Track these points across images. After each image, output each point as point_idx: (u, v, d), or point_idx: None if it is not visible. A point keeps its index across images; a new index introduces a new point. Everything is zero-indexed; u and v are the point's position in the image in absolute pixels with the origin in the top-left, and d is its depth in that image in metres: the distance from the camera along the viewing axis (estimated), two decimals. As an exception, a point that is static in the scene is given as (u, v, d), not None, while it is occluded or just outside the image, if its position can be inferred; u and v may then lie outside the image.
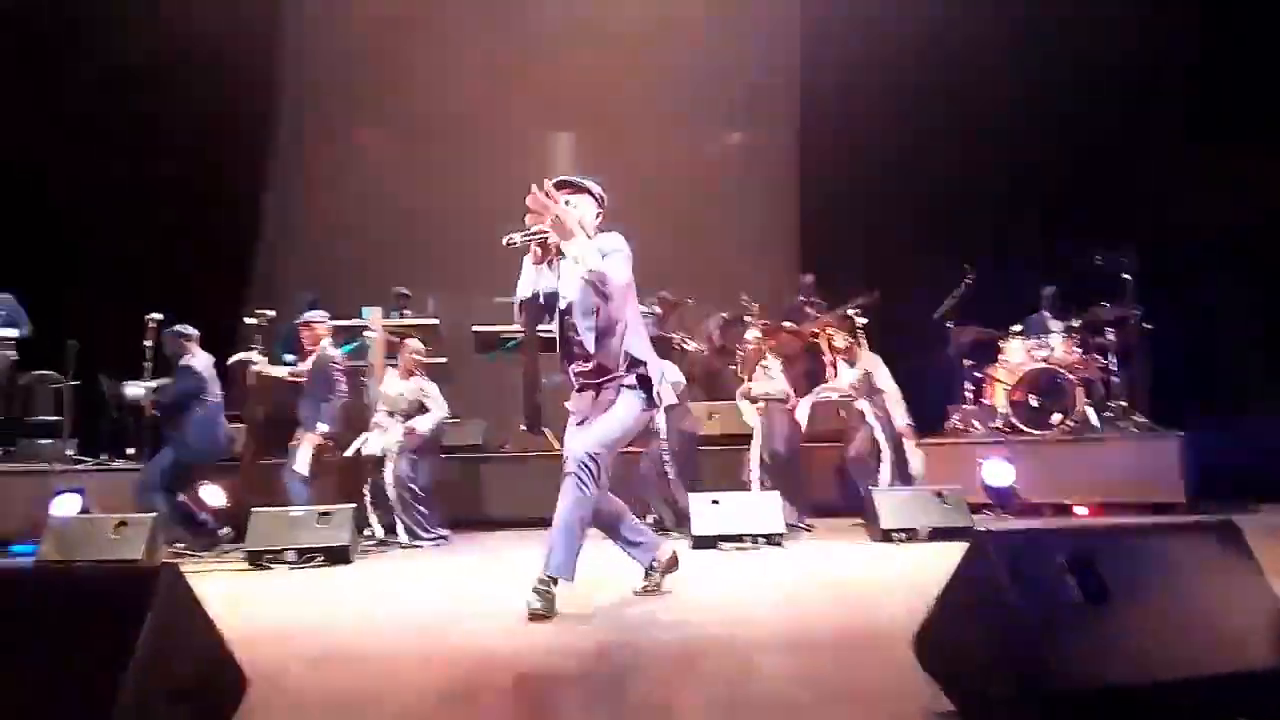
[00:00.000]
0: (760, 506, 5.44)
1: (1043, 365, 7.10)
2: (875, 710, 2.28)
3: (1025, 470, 6.38)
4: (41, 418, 7.37)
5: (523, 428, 7.56)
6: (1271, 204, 7.18)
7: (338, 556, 5.22)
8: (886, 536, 5.30)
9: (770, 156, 10.41)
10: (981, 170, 8.70)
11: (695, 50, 10.07)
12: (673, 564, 3.87)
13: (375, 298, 7.83)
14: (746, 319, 7.07)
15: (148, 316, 6.51)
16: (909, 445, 6.01)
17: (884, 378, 6.19)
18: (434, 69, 9.98)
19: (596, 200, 3.67)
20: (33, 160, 8.32)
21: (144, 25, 8.69)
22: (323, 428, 6.01)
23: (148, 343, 6.53)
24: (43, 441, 7.17)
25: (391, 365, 6.61)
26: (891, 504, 5.45)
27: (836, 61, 9.36)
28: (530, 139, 9.71)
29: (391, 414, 6.24)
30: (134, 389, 6.05)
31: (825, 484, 6.68)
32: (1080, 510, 6.48)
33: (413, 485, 6.06)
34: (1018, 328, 7.50)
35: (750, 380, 6.42)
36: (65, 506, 5.92)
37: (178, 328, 6.18)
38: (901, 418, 6.05)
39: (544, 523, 3.55)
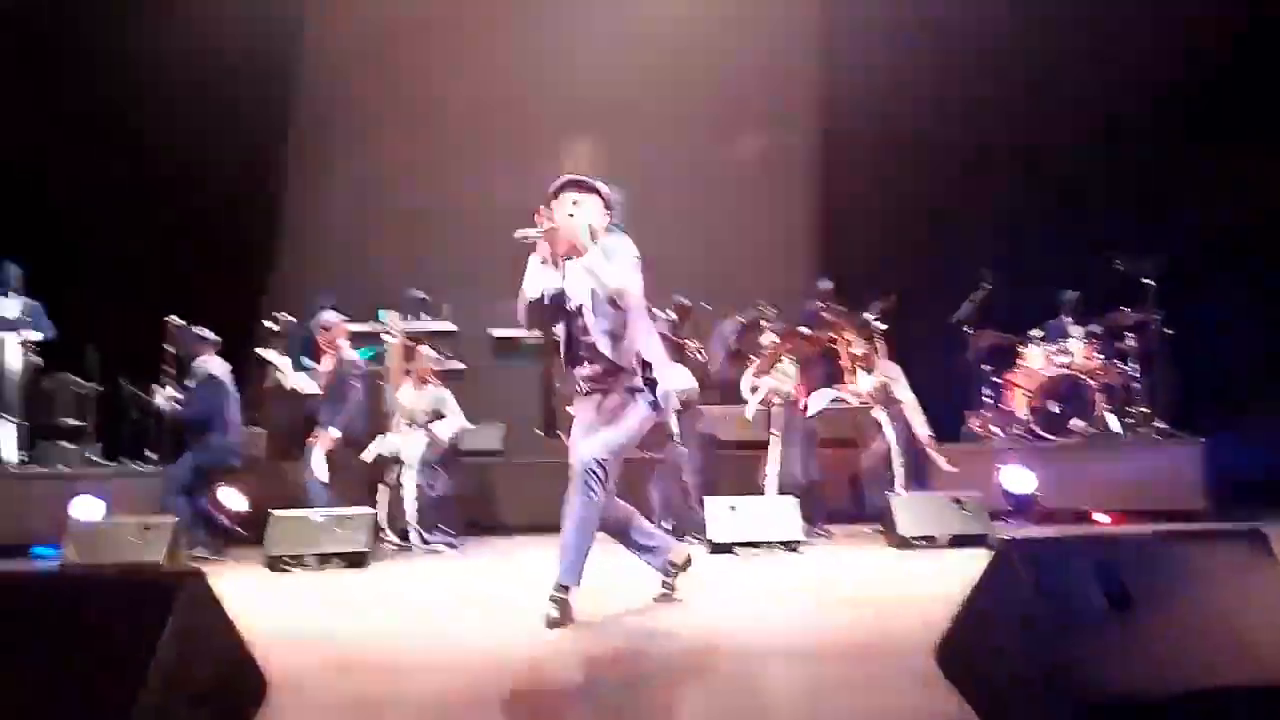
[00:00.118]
0: (777, 512, 5.42)
1: (1063, 371, 7.05)
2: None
3: (1045, 477, 6.33)
4: (65, 421, 7.44)
5: (538, 431, 7.57)
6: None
7: (355, 560, 5.24)
8: (905, 543, 5.27)
9: (788, 160, 10.38)
10: (1001, 174, 8.66)
11: (714, 53, 10.06)
12: (686, 564, 3.83)
13: (392, 301, 7.87)
14: (763, 324, 7.05)
15: (166, 319, 6.56)
16: (933, 454, 5.97)
17: (902, 388, 6.16)
18: (451, 72, 10.02)
19: (605, 201, 3.64)
20: (47, 160, 8.43)
21: (162, 28, 8.78)
22: (334, 431, 6.04)
23: (168, 346, 6.58)
24: (66, 445, 7.23)
25: (408, 373, 6.62)
26: (910, 510, 5.42)
27: (856, 65, 9.32)
28: (549, 142, 9.70)
29: (410, 424, 6.26)
30: (164, 401, 6.09)
31: (840, 490, 6.64)
32: (1101, 517, 6.43)
33: (430, 491, 6.08)
34: (1037, 333, 7.44)
35: (760, 375, 6.38)
36: (87, 510, 5.97)
37: (194, 328, 6.22)
38: (921, 427, 6.02)
39: (561, 528, 3.54)
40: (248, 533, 5.94)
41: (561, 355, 3.65)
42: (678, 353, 6.52)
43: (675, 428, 6.22)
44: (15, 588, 1.98)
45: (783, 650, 3.00)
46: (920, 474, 6.15)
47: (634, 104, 9.98)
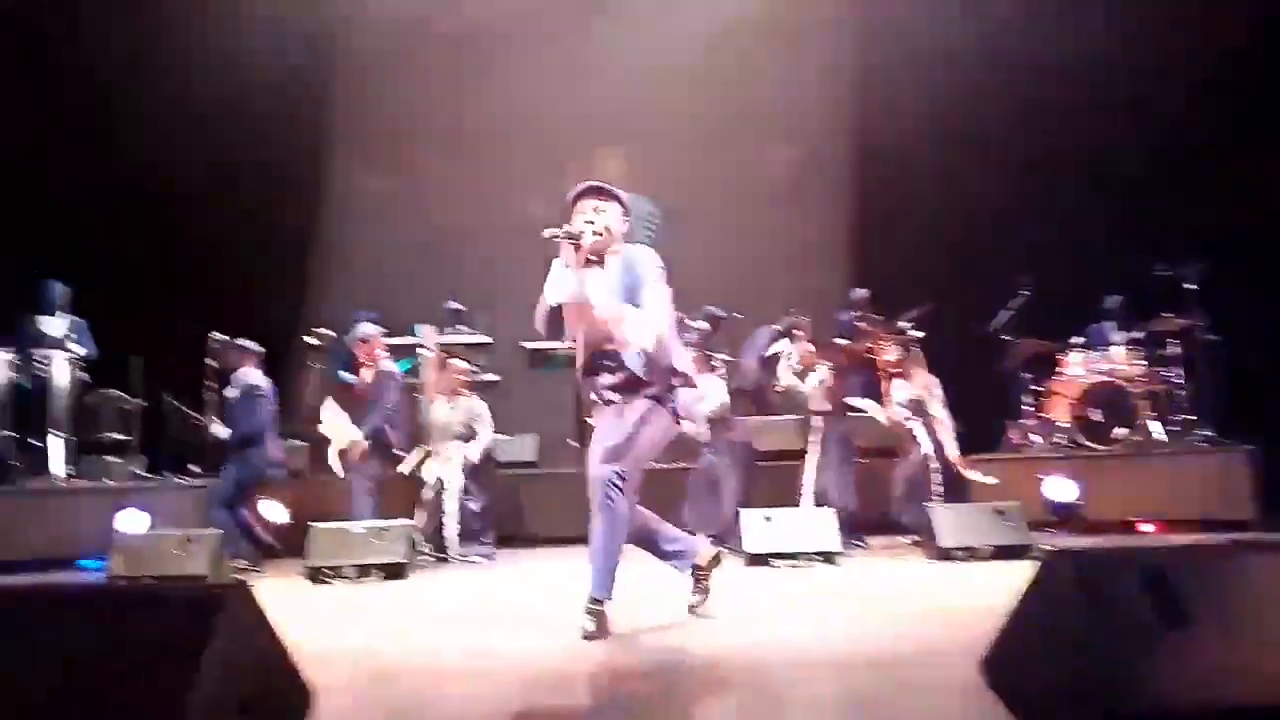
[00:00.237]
0: (814, 524, 5.37)
1: (1104, 378, 6.93)
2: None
3: (1088, 486, 6.23)
4: (110, 436, 7.58)
5: (572, 442, 7.57)
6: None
7: (394, 572, 5.28)
8: (946, 555, 5.19)
9: (821, 171, 10.35)
10: (1039, 180, 8.56)
11: (747, 64, 10.07)
12: (714, 563, 3.76)
13: (427, 315, 7.94)
14: (796, 333, 7.02)
15: (210, 335, 6.67)
16: (967, 473, 5.91)
17: (937, 405, 6.09)
18: (485, 88, 10.13)
19: (624, 208, 3.61)
20: (93, 181, 8.64)
21: (206, 51, 8.97)
22: (355, 432, 6.10)
23: (210, 361, 6.68)
24: (110, 459, 7.37)
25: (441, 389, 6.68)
26: (951, 522, 5.33)
27: (889, 74, 9.30)
28: (581, 155, 9.77)
29: (446, 437, 6.31)
30: (219, 429, 6.20)
31: (876, 501, 6.56)
32: (1146, 527, 6.30)
33: (468, 504, 6.12)
34: (1077, 340, 7.33)
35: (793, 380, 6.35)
36: (132, 523, 6.08)
37: (240, 341, 6.32)
38: (952, 447, 5.95)
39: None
40: (281, 546, 6.01)
41: (579, 364, 3.60)
42: (705, 365, 6.51)
43: (707, 438, 6.21)
44: (65, 600, 2.02)
45: (820, 662, 2.97)
46: (957, 486, 6.09)
47: (666, 117, 10.02)
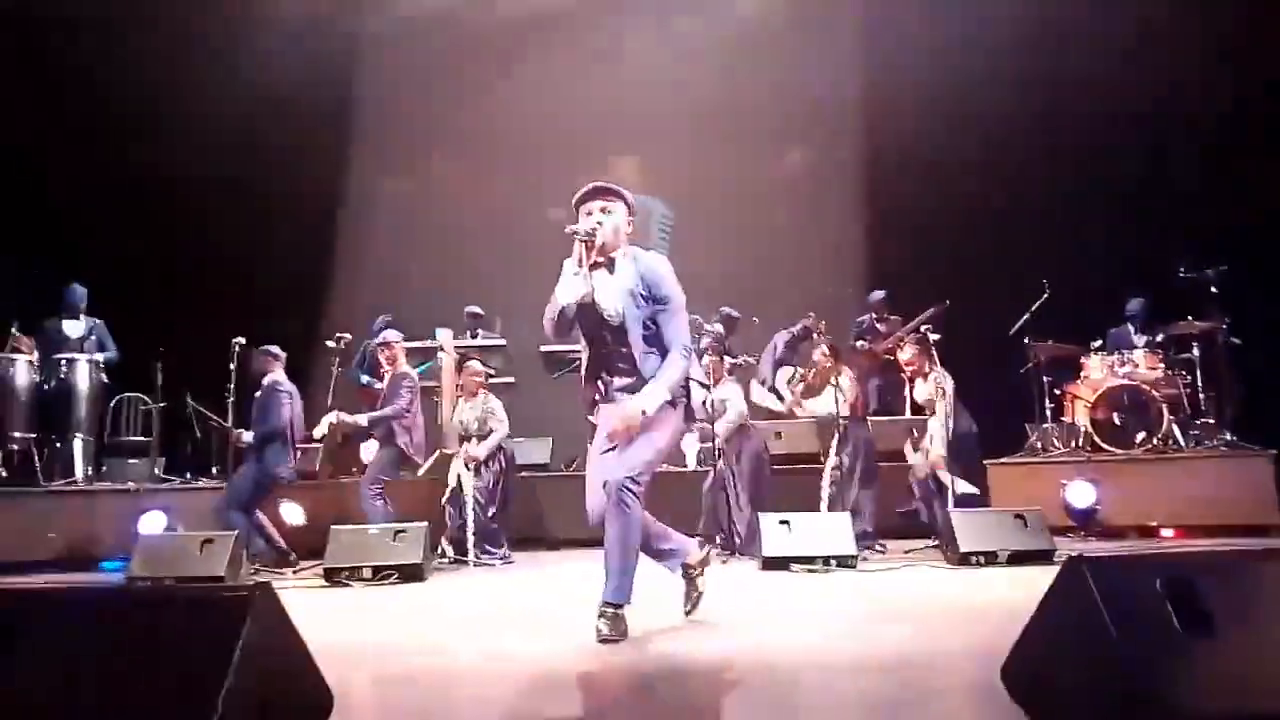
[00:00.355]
0: (831, 528, 5.35)
1: (1125, 382, 6.87)
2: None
3: (1109, 491, 6.18)
4: (131, 438, 7.66)
5: (590, 445, 7.59)
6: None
7: (411, 574, 5.31)
8: (964, 559, 5.16)
9: (837, 172, 10.33)
10: (1056, 181, 8.52)
11: (761, 68, 10.08)
12: (704, 563, 3.79)
13: (447, 318, 7.98)
14: (816, 336, 7.01)
15: (233, 340, 6.72)
16: (941, 474, 5.87)
17: (943, 405, 6.05)
18: (501, 94, 10.18)
19: (630, 209, 3.60)
20: (122, 184, 8.75)
21: (225, 54, 9.09)
22: (335, 416, 6.17)
23: (231, 366, 6.73)
24: (132, 461, 7.44)
25: (460, 388, 6.71)
26: (970, 526, 5.30)
27: (903, 75, 9.27)
28: (598, 158, 9.79)
29: (464, 439, 6.34)
30: (247, 436, 6.25)
31: (892, 504, 6.53)
32: (1167, 532, 6.24)
33: (486, 505, 6.14)
34: (1098, 343, 7.28)
35: (811, 396, 6.33)
36: (154, 524, 6.13)
37: (266, 347, 6.37)
38: (940, 446, 5.91)
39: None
40: (294, 551, 6.04)
41: (586, 366, 3.58)
42: (722, 370, 6.50)
43: (723, 443, 6.21)
44: (90, 602, 2.04)
45: (839, 666, 2.96)
46: (976, 485, 6.06)
47: (682, 121, 10.03)
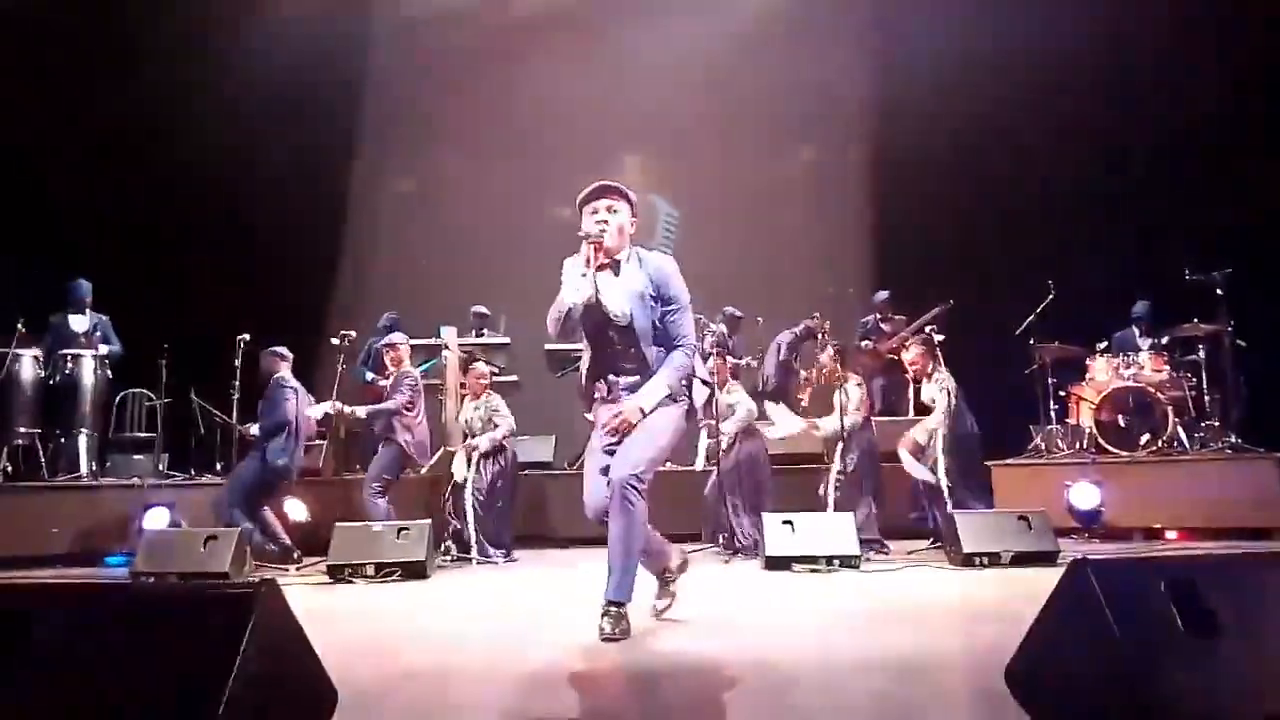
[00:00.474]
0: (835, 528, 5.35)
1: (1130, 384, 6.86)
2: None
3: (1113, 493, 6.16)
4: (135, 433, 7.68)
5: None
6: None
7: (415, 571, 5.31)
8: (968, 561, 5.15)
9: (841, 172, 10.34)
10: (1063, 183, 8.51)
11: (767, 67, 10.08)
12: (682, 568, 3.80)
13: (452, 316, 7.99)
14: (818, 337, 7.01)
15: (237, 337, 6.73)
16: (905, 456, 5.86)
17: (942, 398, 6.03)
18: (506, 94, 10.20)
19: (634, 209, 3.60)
20: (127, 182, 8.77)
21: (232, 61, 9.10)
22: (332, 405, 6.21)
23: (236, 362, 6.75)
24: (136, 457, 7.46)
25: (464, 387, 6.73)
26: (974, 527, 5.30)
27: (908, 75, 9.26)
28: (604, 158, 9.81)
29: (468, 436, 6.35)
30: (254, 428, 6.26)
31: (896, 505, 6.52)
32: (1171, 534, 6.23)
33: (489, 503, 6.14)
34: (1103, 344, 7.26)
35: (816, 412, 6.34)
36: (159, 520, 6.14)
37: (273, 348, 6.38)
38: (920, 433, 5.92)
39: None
40: (297, 549, 6.05)
41: (588, 365, 3.59)
42: (728, 372, 6.50)
43: (726, 443, 6.21)
44: (96, 598, 2.05)
45: (841, 667, 2.96)
46: (985, 491, 6.04)
47: (688, 120, 10.04)
